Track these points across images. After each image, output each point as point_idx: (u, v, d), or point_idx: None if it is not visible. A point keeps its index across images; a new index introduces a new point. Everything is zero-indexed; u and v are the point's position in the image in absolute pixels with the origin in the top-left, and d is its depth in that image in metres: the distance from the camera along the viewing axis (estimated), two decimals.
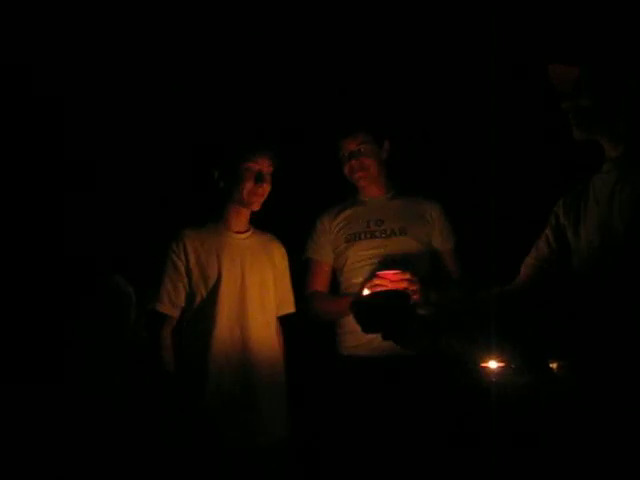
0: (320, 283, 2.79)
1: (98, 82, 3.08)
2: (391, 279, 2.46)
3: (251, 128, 2.76)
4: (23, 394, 2.81)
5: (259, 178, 2.55)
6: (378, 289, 2.39)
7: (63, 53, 3.00)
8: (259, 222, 2.70)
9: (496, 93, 2.44)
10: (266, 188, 2.57)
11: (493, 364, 2.25)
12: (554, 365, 2.04)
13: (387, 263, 2.61)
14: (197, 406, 2.43)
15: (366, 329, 2.40)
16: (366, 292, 2.44)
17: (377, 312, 2.26)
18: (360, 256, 2.69)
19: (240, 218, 2.62)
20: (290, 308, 2.70)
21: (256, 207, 2.60)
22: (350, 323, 2.63)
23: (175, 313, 2.52)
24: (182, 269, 2.53)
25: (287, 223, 2.87)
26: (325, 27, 3.11)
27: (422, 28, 3.02)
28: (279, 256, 2.69)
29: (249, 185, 2.54)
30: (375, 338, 2.52)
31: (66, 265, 2.94)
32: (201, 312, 2.51)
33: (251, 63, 3.14)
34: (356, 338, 2.60)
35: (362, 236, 2.74)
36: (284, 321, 2.71)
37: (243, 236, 2.63)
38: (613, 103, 1.81)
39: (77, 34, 2.99)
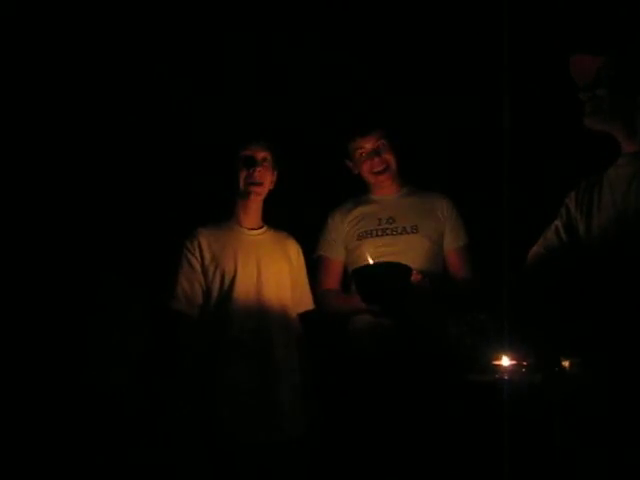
0: (332, 281, 2.78)
1: (105, 83, 3.08)
2: None
3: (244, 122, 2.78)
4: (29, 391, 2.81)
5: (251, 163, 2.56)
6: None
7: (67, 53, 3.01)
8: (273, 222, 2.71)
9: (509, 86, 2.43)
10: (261, 173, 2.58)
11: (505, 361, 2.23)
12: (567, 363, 2.01)
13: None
14: (211, 404, 2.43)
15: (365, 298, 2.43)
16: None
17: (378, 280, 2.27)
18: (372, 254, 2.66)
19: (249, 213, 2.63)
20: (308, 305, 2.70)
21: (255, 196, 2.59)
22: (362, 321, 2.63)
23: (192, 312, 2.51)
24: (198, 267, 2.53)
25: (299, 221, 2.86)
26: (337, 27, 3.11)
27: (434, 21, 3.00)
28: (295, 253, 2.69)
29: (243, 172, 2.56)
30: (385, 336, 2.54)
31: (68, 262, 2.95)
32: (217, 309, 2.51)
33: (258, 62, 3.14)
34: (368, 334, 2.58)
35: (374, 234, 2.73)
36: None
37: (256, 232, 2.63)
38: (630, 94, 1.82)
39: (80, 35, 3.00)
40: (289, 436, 2.49)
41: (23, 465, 2.73)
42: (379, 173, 2.75)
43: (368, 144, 2.73)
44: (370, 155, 2.73)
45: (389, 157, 2.74)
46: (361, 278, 2.49)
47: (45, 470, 2.74)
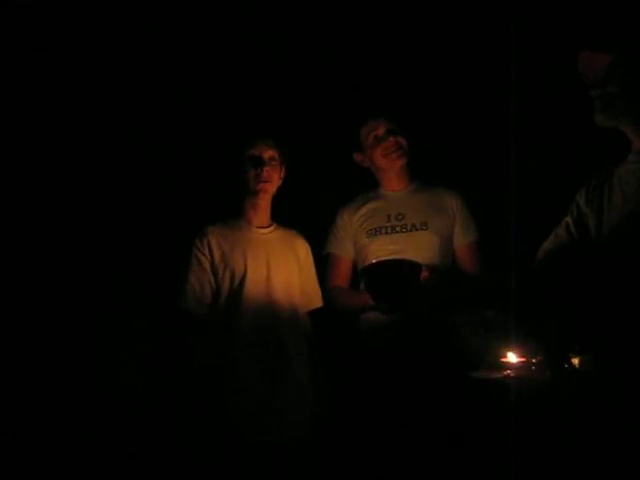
0: (341, 278, 2.78)
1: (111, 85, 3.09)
2: None
3: (248, 119, 2.80)
4: (38, 393, 2.82)
5: (258, 162, 2.56)
6: None
7: (67, 52, 3.02)
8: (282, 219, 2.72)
9: (518, 82, 2.43)
10: (269, 172, 2.58)
11: (513, 358, 2.22)
12: (576, 360, 2.00)
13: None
14: (221, 403, 2.44)
15: (375, 295, 2.44)
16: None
17: (386, 277, 2.28)
18: (381, 251, 2.67)
19: (258, 212, 2.63)
20: (318, 303, 2.70)
21: (264, 194, 2.60)
22: (371, 318, 2.63)
23: (201, 311, 2.52)
24: (207, 266, 2.54)
25: (307, 218, 2.85)
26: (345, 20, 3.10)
27: (443, 16, 2.99)
28: (304, 251, 2.70)
29: (252, 172, 2.57)
30: (394, 333, 2.54)
31: (79, 263, 2.96)
32: (227, 308, 2.51)
33: (264, 56, 3.14)
34: (377, 331, 2.58)
35: (383, 231, 2.73)
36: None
37: (265, 231, 2.64)
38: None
39: (85, 36, 3.01)
40: (298, 435, 2.49)
41: (34, 466, 2.75)
42: (392, 152, 2.72)
43: (381, 126, 2.73)
44: (383, 137, 2.72)
45: (402, 140, 2.73)
46: (370, 275, 2.49)
47: (54, 471, 2.76)
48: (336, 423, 2.60)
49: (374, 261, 2.52)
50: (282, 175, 2.66)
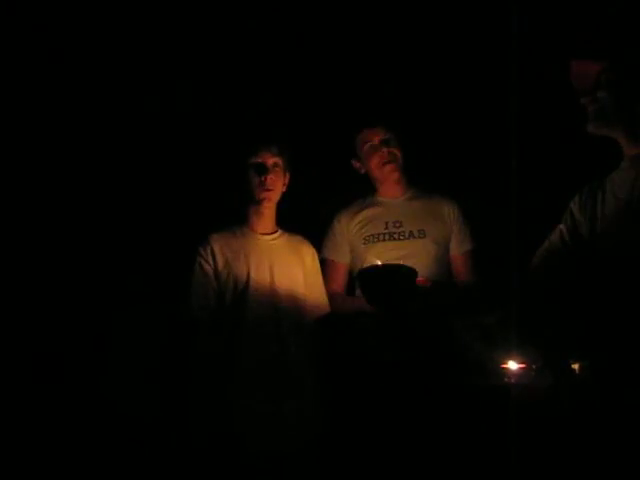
0: (337, 283, 2.79)
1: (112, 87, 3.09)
2: None
3: (251, 126, 2.81)
4: (45, 395, 2.83)
5: (261, 170, 2.56)
6: None
7: (69, 51, 3.02)
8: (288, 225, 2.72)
9: (514, 91, 2.44)
10: (272, 179, 2.58)
11: (513, 365, 2.22)
12: (576, 366, 2.01)
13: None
14: (225, 411, 2.44)
15: (370, 299, 2.45)
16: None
17: (383, 281, 2.29)
18: (379, 258, 2.64)
19: (262, 218, 2.63)
20: (324, 309, 2.68)
21: (268, 202, 2.60)
22: (366, 322, 2.63)
23: (205, 317, 2.52)
24: (211, 273, 2.54)
25: (306, 223, 2.86)
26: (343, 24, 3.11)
27: (438, 22, 3.00)
28: (310, 258, 2.69)
29: (255, 180, 2.56)
30: (389, 338, 2.54)
31: (90, 269, 2.97)
32: (231, 314, 2.51)
33: (262, 62, 3.14)
34: (372, 336, 2.58)
35: (380, 238, 2.74)
36: None
37: (270, 237, 2.64)
38: (631, 99, 1.82)
39: (87, 35, 3.02)
40: (300, 444, 2.49)
41: (40, 469, 2.75)
42: (387, 163, 2.74)
43: (376, 136, 2.74)
44: (378, 147, 2.73)
45: (397, 150, 2.75)
46: (365, 279, 2.50)
47: (61, 474, 2.76)
48: (336, 429, 2.60)
49: (370, 265, 2.53)
50: (286, 182, 2.66)
